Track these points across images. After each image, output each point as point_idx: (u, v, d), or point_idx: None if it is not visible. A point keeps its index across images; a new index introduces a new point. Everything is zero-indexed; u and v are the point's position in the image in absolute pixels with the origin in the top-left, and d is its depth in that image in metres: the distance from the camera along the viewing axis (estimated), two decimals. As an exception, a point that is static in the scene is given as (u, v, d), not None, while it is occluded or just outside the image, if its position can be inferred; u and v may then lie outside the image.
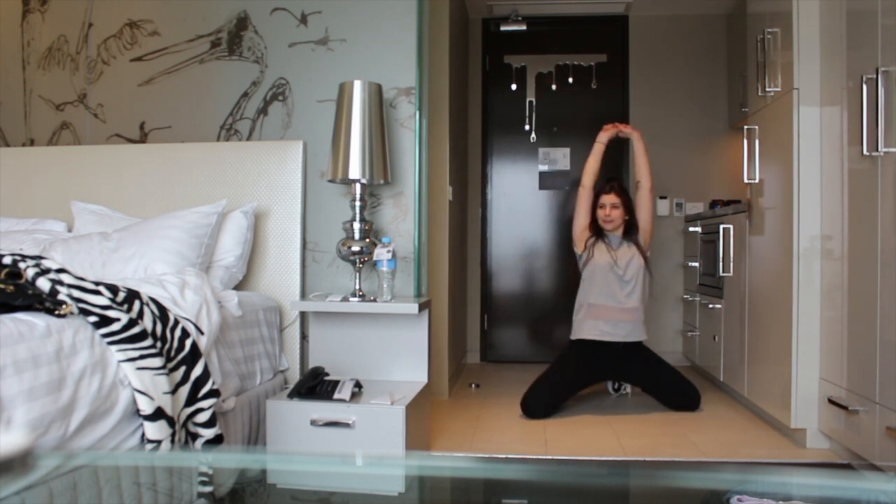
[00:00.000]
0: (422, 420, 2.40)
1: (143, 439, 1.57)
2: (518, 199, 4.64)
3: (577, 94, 4.60)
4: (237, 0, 2.85)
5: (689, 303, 4.03)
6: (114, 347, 1.54)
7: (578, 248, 3.31)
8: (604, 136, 3.32)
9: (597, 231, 3.27)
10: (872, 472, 2.12)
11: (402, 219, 2.74)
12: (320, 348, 2.57)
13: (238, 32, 2.85)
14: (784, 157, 2.65)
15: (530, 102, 4.63)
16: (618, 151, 4.56)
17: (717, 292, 3.53)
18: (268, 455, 1.74)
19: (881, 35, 2.08)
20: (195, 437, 1.76)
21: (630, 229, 3.26)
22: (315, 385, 2.20)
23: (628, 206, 3.25)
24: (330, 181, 2.60)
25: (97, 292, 1.56)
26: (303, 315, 2.67)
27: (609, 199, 3.22)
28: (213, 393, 1.79)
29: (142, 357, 1.57)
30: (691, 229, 3.99)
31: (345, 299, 2.44)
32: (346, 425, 2.11)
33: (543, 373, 3.20)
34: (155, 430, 1.57)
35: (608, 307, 3.16)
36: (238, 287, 2.58)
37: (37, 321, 1.40)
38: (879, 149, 2.04)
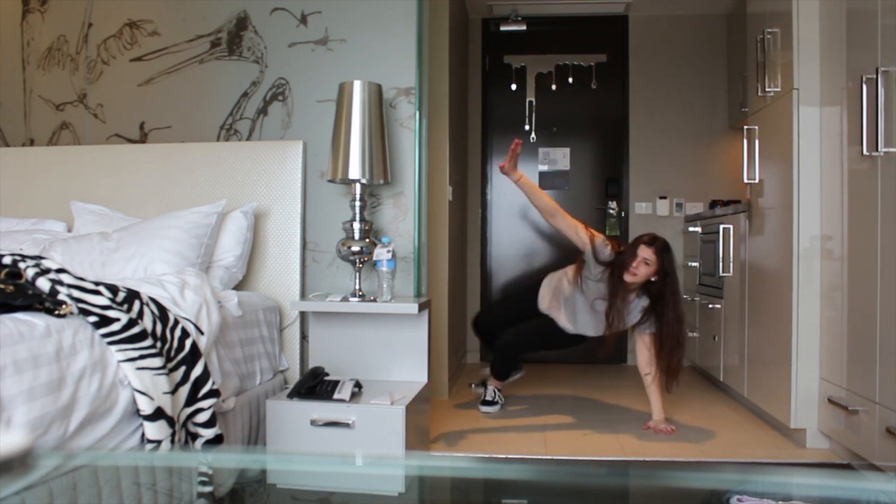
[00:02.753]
0: (422, 420, 2.40)
1: (143, 439, 1.57)
2: (518, 199, 4.62)
3: (576, 94, 4.60)
4: (237, 0, 2.85)
5: (688, 303, 4.03)
6: (114, 347, 1.54)
7: (585, 246, 2.88)
8: (511, 173, 2.85)
9: (613, 272, 2.81)
10: (872, 472, 2.12)
11: (401, 219, 2.74)
12: (320, 348, 2.57)
13: (238, 32, 2.85)
14: (784, 157, 2.65)
15: (530, 102, 4.63)
16: (617, 152, 4.57)
17: (716, 292, 3.53)
18: (268, 455, 1.74)
19: (881, 35, 2.08)
20: (195, 437, 1.76)
21: (652, 297, 2.83)
22: (315, 385, 2.20)
23: (663, 270, 2.78)
24: (330, 181, 2.60)
25: (97, 292, 1.56)
26: (303, 315, 2.67)
27: (646, 252, 2.76)
28: (213, 393, 1.79)
29: (142, 357, 1.57)
30: (691, 229, 3.99)
31: (345, 299, 2.44)
32: (346, 425, 2.11)
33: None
34: (155, 430, 1.57)
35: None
36: (238, 287, 2.58)
37: (37, 321, 1.40)
38: (879, 149, 2.04)
